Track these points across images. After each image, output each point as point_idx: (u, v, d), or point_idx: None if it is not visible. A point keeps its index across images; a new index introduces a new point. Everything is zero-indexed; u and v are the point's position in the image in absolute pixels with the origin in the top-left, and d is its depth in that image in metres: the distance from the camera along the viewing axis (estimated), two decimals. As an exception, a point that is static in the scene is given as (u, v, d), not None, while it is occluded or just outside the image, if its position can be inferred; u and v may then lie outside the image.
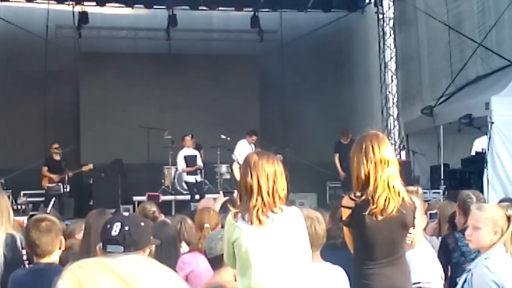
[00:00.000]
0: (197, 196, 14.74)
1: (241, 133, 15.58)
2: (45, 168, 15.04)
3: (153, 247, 3.34)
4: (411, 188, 4.58)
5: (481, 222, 4.10)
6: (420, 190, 4.69)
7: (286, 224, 3.87)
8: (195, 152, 15.75)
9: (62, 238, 4.37)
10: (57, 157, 15.19)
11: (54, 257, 4.27)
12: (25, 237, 4.42)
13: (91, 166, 15.43)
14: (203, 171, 16.15)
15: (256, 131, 15.82)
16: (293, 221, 3.90)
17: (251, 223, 3.83)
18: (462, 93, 15.31)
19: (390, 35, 19.65)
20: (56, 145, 15.21)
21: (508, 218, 4.11)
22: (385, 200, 3.97)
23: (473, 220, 4.17)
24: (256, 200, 3.84)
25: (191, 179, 15.56)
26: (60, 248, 4.31)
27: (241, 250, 3.87)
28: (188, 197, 15.56)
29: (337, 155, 15.93)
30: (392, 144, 16.87)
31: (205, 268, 4.96)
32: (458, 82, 15.51)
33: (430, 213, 6.07)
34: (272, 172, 3.89)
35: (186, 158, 15.44)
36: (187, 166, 15.48)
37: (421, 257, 4.39)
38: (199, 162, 15.75)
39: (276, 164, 3.95)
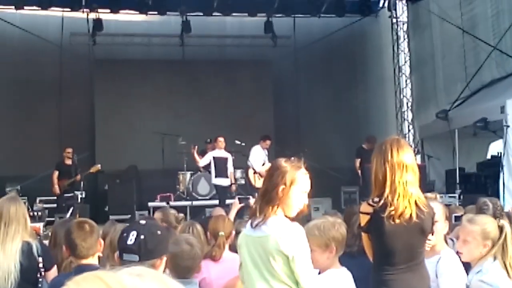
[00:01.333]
0: (229, 201, 14.25)
1: (255, 139, 15.58)
2: (55, 173, 14.88)
3: None
4: (429, 194, 4.57)
5: (471, 236, 4.08)
6: (438, 196, 4.66)
7: (282, 235, 3.74)
8: (227, 155, 15.01)
9: (102, 240, 4.48)
10: (68, 162, 14.96)
11: (95, 259, 4.40)
12: (66, 239, 4.46)
13: (98, 166, 15.04)
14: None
15: (269, 135, 15.79)
16: (290, 236, 3.75)
17: (253, 229, 3.82)
18: (477, 97, 15.24)
19: (404, 39, 19.60)
20: (69, 150, 15.02)
21: (501, 228, 4.09)
22: (403, 204, 3.96)
23: (463, 233, 4.16)
24: (265, 207, 3.80)
25: (219, 182, 14.86)
26: (99, 251, 4.42)
27: (240, 256, 3.91)
28: (203, 202, 15.57)
29: (359, 160, 15.87)
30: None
31: (216, 276, 4.97)
32: (473, 86, 15.45)
33: (455, 216, 6.02)
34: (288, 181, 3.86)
35: (216, 159, 14.84)
36: (216, 169, 14.82)
37: (447, 264, 4.37)
38: (230, 166, 15.01)
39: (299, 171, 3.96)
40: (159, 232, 3.22)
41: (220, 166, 14.78)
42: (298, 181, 3.89)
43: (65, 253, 4.43)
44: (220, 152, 14.86)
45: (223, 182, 14.80)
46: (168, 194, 15.86)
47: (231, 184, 14.98)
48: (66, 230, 4.51)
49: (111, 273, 1.34)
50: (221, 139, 14.81)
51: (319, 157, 17.43)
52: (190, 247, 4.12)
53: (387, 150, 4.07)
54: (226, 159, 14.85)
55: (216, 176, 14.85)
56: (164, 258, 3.19)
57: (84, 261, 4.34)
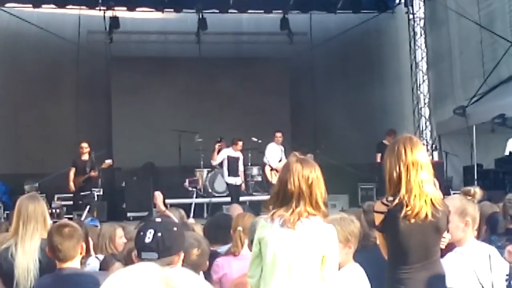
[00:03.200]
0: (239, 199, 14.61)
1: (272, 136, 15.59)
2: (72, 170, 14.50)
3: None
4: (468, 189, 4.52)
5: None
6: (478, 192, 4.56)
7: (317, 235, 3.85)
8: (239, 154, 15.42)
9: (83, 244, 4.47)
10: (84, 157, 14.59)
11: (75, 262, 4.40)
12: (48, 242, 4.48)
13: (110, 162, 14.92)
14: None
15: (279, 129, 15.79)
16: (326, 236, 3.88)
17: (285, 226, 3.83)
18: (495, 93, 15.16)
19: (421, 35, 19.52)
20: (84, 144, 14.66)
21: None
22: (419, 203, 3.94)
23: None
24: (296, 205, 3.84)
25: (232, 180, 15.33)
26: (81, 254, 4.43)
27: (268, 251, 3.87)
28: (221, 199, 15.62)
29: (379, 155, 15.81)
30: (424, 145, 16.73)
31: (238, 272, 4.98)
32: (491, 82, 15.36)
33: None
34: (315, 180, 3.90)
35: (229, 158, 15.23)
36: (229, 168, 15.27)
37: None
38: (241, 165, 15.52)
39: (316, 170, 3.97)
40: (175, 229, 3.25)
41: (233, 165, 15.27)
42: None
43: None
44: (234, 152, 15.28)
45: (235, 181, 15.29)
46: (196, 178, 15.92)
47: (242, 182, 15.48)
48: (48, 233, 4.52)
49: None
50: (240, 143, 15.26)
51: (336, 154, 17.41)
52: (198, 243, 4.14)
53: (400, 150, 4.06)
54: (238, 158, 15.35)
55: (229, 175, 15.30)
56: (182, 254, 3.21)
57: (64, 265, 4.34)
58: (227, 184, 15.53)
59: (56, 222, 4.97)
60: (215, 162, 15.45)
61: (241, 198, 15.15)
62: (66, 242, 4.30)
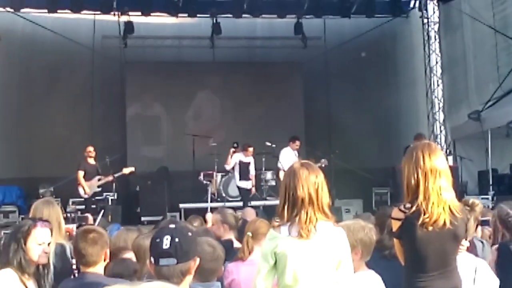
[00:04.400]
0: (250, 203, 14.91)
1: (286, 140, 15.60)
2: (80, 173, 14.34)
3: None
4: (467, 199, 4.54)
5: None
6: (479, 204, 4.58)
7: (331, 240, 3.87)
8: (250, 159, 15.68)
9: (108, 250, 4.50)
10: (91, 161, 14.50)
11: (99, 268, 4.42)
12: (73, 246, 4.55)
13: (132, 168, 14.94)
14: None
15: (298, 136, 15.81)
16: (338, 240, 3.91)
17: (300, 235, 3.83)
18: (510, 97, 15.09)
19: (435, 39, 19.44)
20: (90, 148, 14.54)
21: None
22: (437, 211, 3.91)
23: None
24: (307, 214, 3.84)
25: (244, 185, 15.63)
26: (105, 260, 4.45)
27: (286, 262, 3.86)
28: (234, 204, 15.62)
29: None
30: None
31: (245, 277, 4.99)
32: (506, 86, 15.29)
33: (483, 220, 5.86)
34: (320, 185, 3.91)
35: (241, 163, 15.51)
36: (240, 172, 15.54)
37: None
38: (252, 169, 15.76)
39: (321, 174, 3.98)
40: (189, 234, 3.25)
41: (244, 169, 15.58)
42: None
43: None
44: (245, 158, 15.59)
45: (247, 185, 15.65)
46: (210, 171, 15.88)
47: (252, 186, 15.82)
48: (75, 236, 4.58)
49: None
50: (251, 149, 15.52)
51: (350, 158, 17.39)
52: (213, 249, 4.15)
53: (418, 156, 4.02)
54: (249, 163, 15.66)
55: (240, 179, 15.65)
56: (197, 260, 3.21)
57: (88, 269, 4.38)
58: (238, 188, 15.83)
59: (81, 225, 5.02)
60: (229, 166, 15.69)
61: (255, 203, 15.23)
62: (90, 247, 4.34)
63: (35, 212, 5.10)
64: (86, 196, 14.44)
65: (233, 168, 15.67)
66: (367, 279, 4.31)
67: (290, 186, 3.91)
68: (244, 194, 15.57)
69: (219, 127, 18.20)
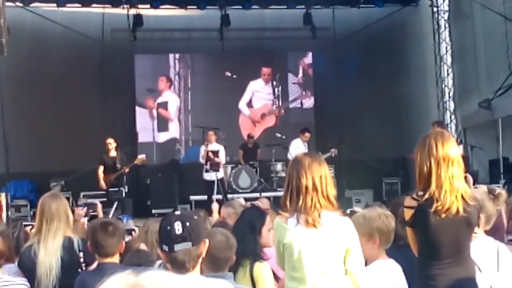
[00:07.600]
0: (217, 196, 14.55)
1: (296, 131, 15.59)
2: (100, 168, 14.17)
3: None
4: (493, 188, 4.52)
5: None
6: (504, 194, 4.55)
7: (338, 229, 3.91)
8: (219, 147, 15.48)
9: (124, 242, 4.75)
10: (112, 154, 14.22)
11: (115, 258, 4.66)
12: (90, 238, 4.69)
13: (143, 157, 14.65)
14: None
15: (308, 128, 15.80)
16: (345, 229, 3.95)
17: (307, 223, 3.86)
18: (521, 85, 15.02)
19: (445, 28, 19.35)
20: (110, 140, 14.27)
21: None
22: (449, 198, 3.91)
23: None
24: (312, 201, 3.87)
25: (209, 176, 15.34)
26: (120, 251, 4.70)
27: (293, 253, 3.91)
28: (245, 195, 15.63)
29: None
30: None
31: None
32: (516, 74, 15.21)
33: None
34: (324, 174, 3.95)
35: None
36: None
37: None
38: (222, 158, 15.53)
39: (325, 164, 4.03)
40: (196, 217, 3.31)
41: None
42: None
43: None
44: (212, 146, 15.36)
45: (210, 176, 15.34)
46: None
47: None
48: (92, 229, 4.78)
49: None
50: (211, 132, 15.38)
51: (360, 149, 17.37)
52: (226, 238, 4.17)
53: (431, 144, 4.01)
54: (217, 152, 15.40)
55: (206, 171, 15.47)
56: (207, 241, 3.28)
57: (106, 260, 4.60)
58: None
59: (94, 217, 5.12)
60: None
61: (266, 194, 15.18)
62: (109, 239, 4.59)
63: (43, 206, 5.12)
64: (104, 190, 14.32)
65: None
66: (386, 268, 4.32)
67: (294, 175, 3.97)
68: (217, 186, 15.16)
69: (228, 118, 18.19)
